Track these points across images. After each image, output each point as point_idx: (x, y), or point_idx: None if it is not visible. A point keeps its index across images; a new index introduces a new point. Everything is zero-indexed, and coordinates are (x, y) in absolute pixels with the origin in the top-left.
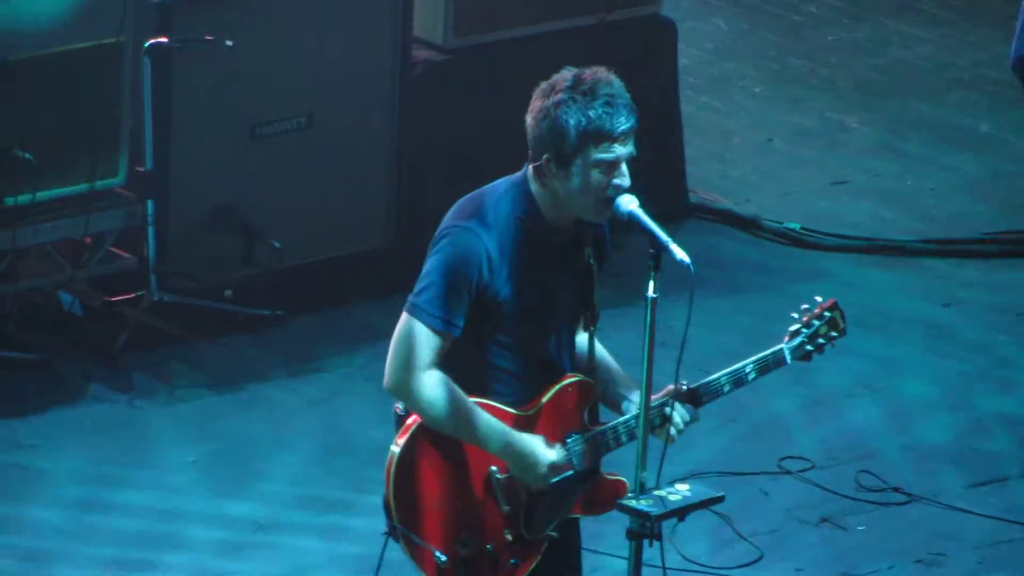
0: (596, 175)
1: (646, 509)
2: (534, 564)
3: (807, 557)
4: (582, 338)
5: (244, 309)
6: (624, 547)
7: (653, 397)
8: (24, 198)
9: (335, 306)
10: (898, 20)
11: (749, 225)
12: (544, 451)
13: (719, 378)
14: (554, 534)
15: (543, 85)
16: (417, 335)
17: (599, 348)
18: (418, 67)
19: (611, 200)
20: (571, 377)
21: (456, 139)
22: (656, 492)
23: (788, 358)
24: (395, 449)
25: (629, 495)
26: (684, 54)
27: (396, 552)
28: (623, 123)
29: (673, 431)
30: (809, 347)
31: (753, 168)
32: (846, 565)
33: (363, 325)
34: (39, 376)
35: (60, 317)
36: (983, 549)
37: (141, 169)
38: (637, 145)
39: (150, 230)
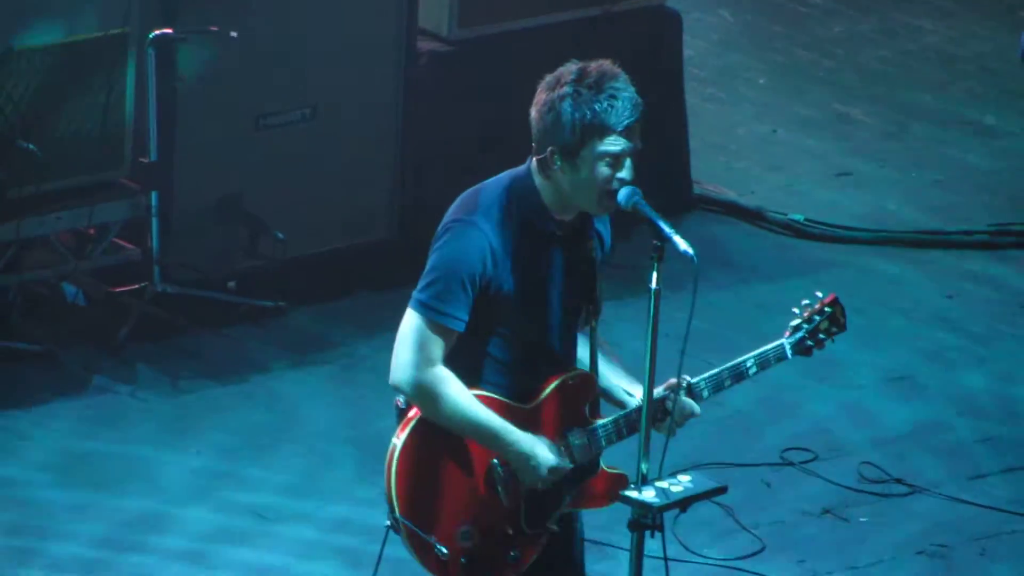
0: (600, 168)
1: (648, 500)
2: (535, 557)
3: (809, 548)
4: (584, 332)
5: (247, 300)
6: (626, 538)
7: (655, 390)
8: (28, 189)
9: (338, 298)
10: (903, 11)
11: (753, 216)
12: (545, 452)
13: (720, 372)
14: (555, 528)
15: (548, 78)
16: (422, 331)
17: (601, 342)
18: (423, 58)
19: (614, 193)
20: (573, 371)
21: (460, 131)
22: (658, 483)
23: (789, 353)
24: (396, 442)
25: (631, 486)
26: (689, 45)
27: (397, 545)
28: (627, 117)
29: (674, 424)
30: (809, 342)
31: (757, 159)
32: (848, 556)
33: (366, 317)
34: (42, 367)
35: (63, 308)
36: (985, 540)
37: (145, 160)
38: (641, 137)
39: (154, 221)
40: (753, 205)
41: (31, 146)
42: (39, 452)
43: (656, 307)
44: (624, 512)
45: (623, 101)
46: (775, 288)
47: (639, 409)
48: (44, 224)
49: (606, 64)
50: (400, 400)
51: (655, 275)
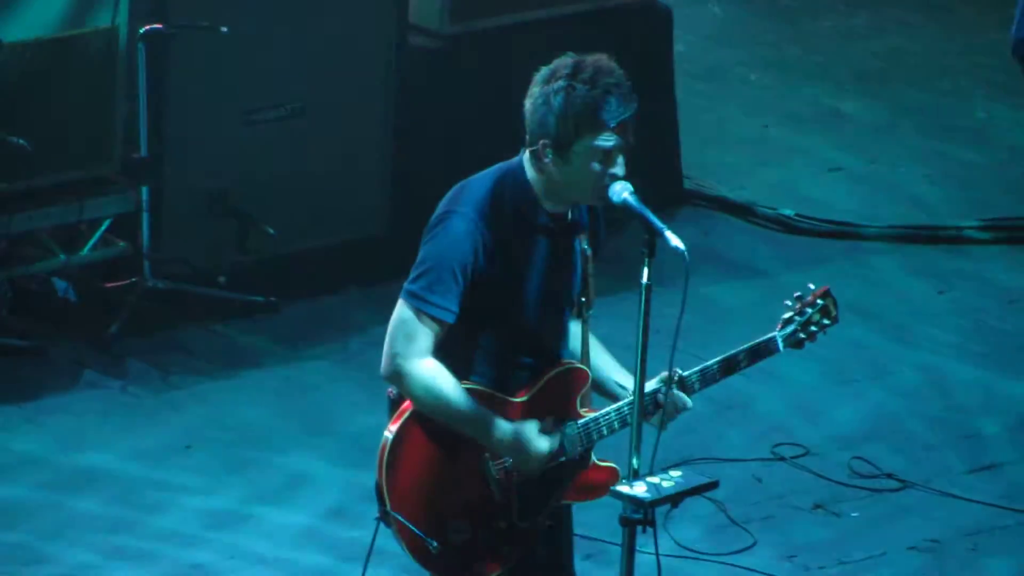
0: (592, 163)
1: (639, 495)
2: (526, 551)
3: (800, 543)
4: (576, 325)
5: (238, 296)
6: (617, 533)
7: (646, 384)
8: (18, 184)
9: (329, 293)
10: (894, 7)
11: (744, 211)
12: (538, 439)
13: (711, 365)
14: (546, 522)
15: (543, 71)
16: (412, 322)
17: (592, 335)
18: (414, 53)
19: (606, 187)
20: (565, 364)
21: (452, 125)
22: (649, 478)
23: (781, 346)
24: (388, 435)
25: (622, 481)
26: (680, 40)
27: (388, 538)
28: (621, 112)
29: (666, 418)
30: (802, 335)
31: (748, 154)
32: (839, 551)
33: (357, 312)
34: (33, 362)
35: (54, 303)
36: (976, 535)
37: (136, 155)
38: (634, 133)
39: (144, 216)
40: (743, 200)
41: (21, 141)
42: (30, 446)
43: (647, 302)
44: (615, 507)
45: (617, 97)
46: (765, 283)
47: (631, 403)
48: (34, 219)
49: (602, 59)
50: (392, 391)
51: (646, 270)
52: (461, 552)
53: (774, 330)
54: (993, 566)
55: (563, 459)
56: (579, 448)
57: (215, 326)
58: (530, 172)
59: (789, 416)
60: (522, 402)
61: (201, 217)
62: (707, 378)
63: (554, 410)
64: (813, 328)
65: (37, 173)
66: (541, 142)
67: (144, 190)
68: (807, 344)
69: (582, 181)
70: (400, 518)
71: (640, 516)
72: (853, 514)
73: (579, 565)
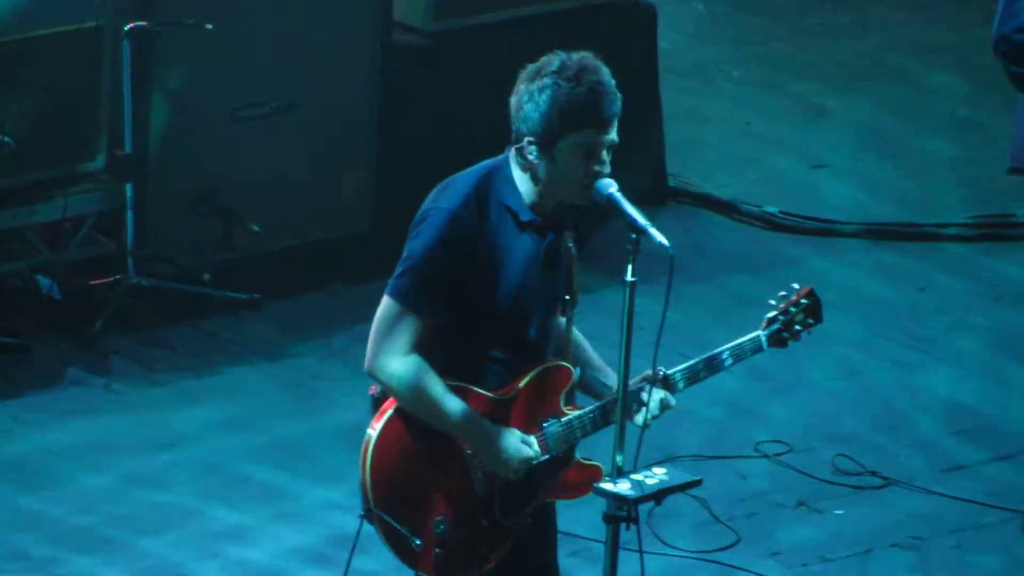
0: (576, 160)
1: (623, 493)
2: (509, 548)
3: (784, 541)
4: (560, 322)
5: (223, 293)
6: (601, 531)
7: (630, 382)
8: (3, 181)
9: (314, 290)
10: (879, 4)
11: (728, 209)
12: (517, 444)
13: (695, 364)
14: (529, 519)
15: (529, 68)
16: (397, 318)
17: (576, 333)
18: (399, 51)
19: (590, 185)
20: (549, 362)
21: (437, 123)
22: (633, 476)
23: (764, 345)
24: (371, 432)
25: (606, 478)
26: (664, 38)
27: (371, 536)
28: (606, 110)
29: (649, 416)
30: (785, 334)
31: (732, 152)
32: (823, 549)
33: (342, 309)
34: (16, 359)
35: (38, 300)
36: (960, 533)
37: (120, 152)
38: (618, 130)
39: (129, 214)
40: (728, 197)
41: (6, 138)
42: (12, 445)
43: (631, 299)
44: (599, 504)
45: (602, 95)
46: (750, 280)
47: (615, 401)
48: (18, 216)
49: (588, 56)
50: (375, 389)
51: (630, 267)
52: (445, 550)
53: (758, 329)
54: (976, 563)
55: (546, 457)
56: (563, 446)
57: (200, 323)
58: (515, 169)
59: (771, 413)
60: (507, 399)
61: (186, 214)
62: (691, 376)
63: (539, 407)
64: (797, 327)
65: (22, 170)
66: (526, 139)
67: (129, 187)
68: (790, 343)
69: (567, 178)
70: (384, 516)
71: (624, 513)
72: (837, 511)
73: (563, 562)
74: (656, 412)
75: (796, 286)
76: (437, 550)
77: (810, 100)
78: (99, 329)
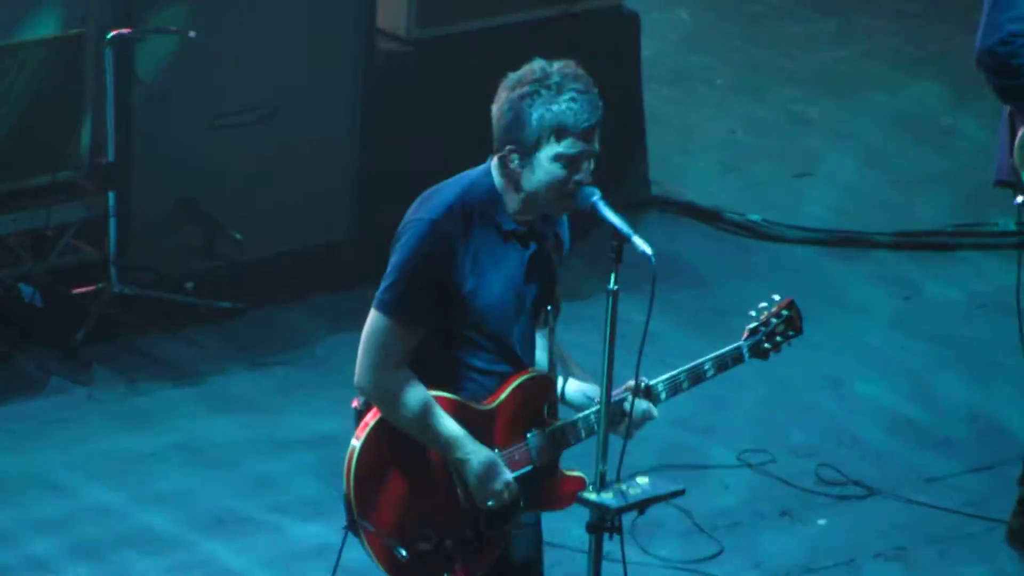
0: (558, 169)
1: (606, 502)
2: (494, 560)
3: (767, 551)
4: (542, 332)
5: (205, 301)
6: (585, 541)
7: (612, 392)
8: None
9: (296, 299)
10: (862, 12)
11: (711, 217)
12: (499, 468)
13: (678, 374)
14: (514, 530)
15: (511, 76)
16: (384, 332)
17: (559, 343)
18: (381, 59)
19: (572, 194)
20: (532, 372)
21: (419, 131)
22: (616, 485)
23: (746, 355)
24: (355, 443)
25: (589, 488)
26: (647, 46)
27: (355, 548)
28: (588, 119)
29: (631, 427)
30: (766, 345)
31: (715, 160)
32: (806, 559)
33: (324, 318)
34: None
35: (20, 309)
36: (944, 543)
37: (103, 161)
38: (600, 139)
39: (111, 222)
40: (711, 205)
41: None
42: None
43: (614, 308)
44: (583, 514)
45: (583, 103)
46: (733, 289)
47: (597, 411)
48: (1, 224)
49: (569, 65)
50: (358, 401)
51: (613, 276)
52: (429, 561)
53: (739, 339)
54: (962, 573)
55: (530, 468)
56: (546, 457)
57: (182, 332)
58: (497, 178)
59: (754, 422)
60: (490, 410)
61: (168, 223)
62: (673, 387)
63: (522, 418)
64: (778, 339)
65: (3, 178)
66: (508, 148)
67: (111, 196)
68: (772, 355)
69: (548, 187)
70: (368, 526)
71: (607, 523)
72: (820, 521)
73: (547, 573)
74: (638, 422)
75: (776, 297)
76: (422, 561)
77: (793, 108)
78: (81, 338)
